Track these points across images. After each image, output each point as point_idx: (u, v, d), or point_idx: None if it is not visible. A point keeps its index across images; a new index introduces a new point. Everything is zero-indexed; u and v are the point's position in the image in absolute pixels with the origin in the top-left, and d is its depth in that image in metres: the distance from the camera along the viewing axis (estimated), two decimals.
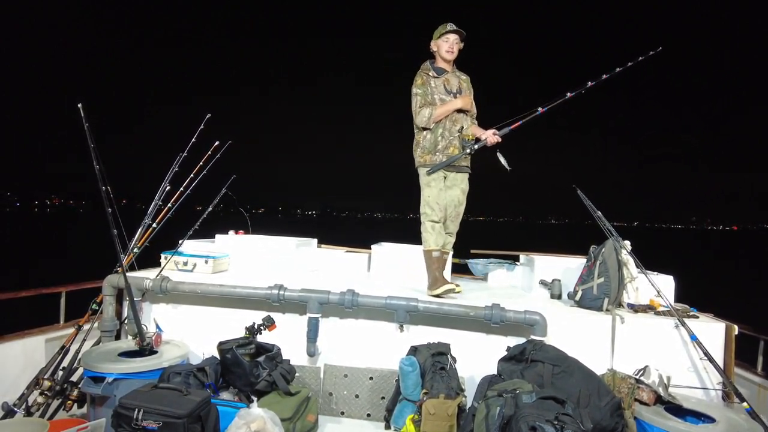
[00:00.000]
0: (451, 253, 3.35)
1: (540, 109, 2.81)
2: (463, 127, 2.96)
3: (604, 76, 2.80)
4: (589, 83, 2.81)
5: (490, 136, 2.89)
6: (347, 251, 3.76)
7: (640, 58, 2.82)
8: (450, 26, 2.98)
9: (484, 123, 3.11)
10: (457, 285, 2.80)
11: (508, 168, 2.90)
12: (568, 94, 2.80)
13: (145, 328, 2.61)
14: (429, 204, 2.95)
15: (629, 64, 2.83)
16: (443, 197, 2.95)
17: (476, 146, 2.90)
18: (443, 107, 2.94)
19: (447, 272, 3.30)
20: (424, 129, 2.97)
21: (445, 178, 2.99)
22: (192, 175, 3.20)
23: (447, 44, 3.00)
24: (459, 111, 2.99)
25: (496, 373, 2.31)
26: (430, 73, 3.04)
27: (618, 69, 2.81)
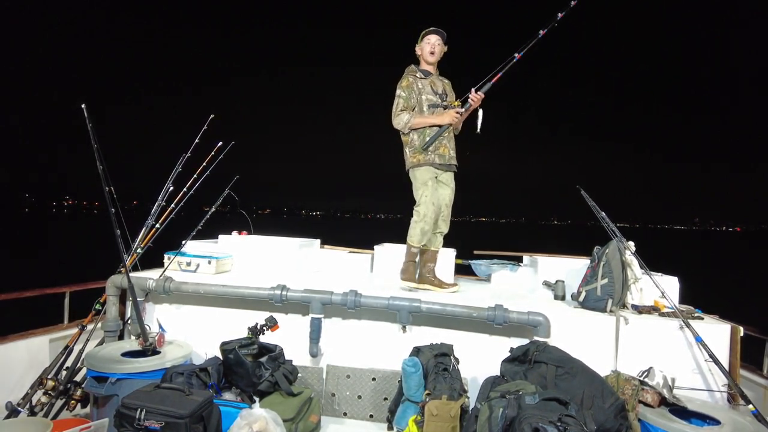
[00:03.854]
0: (455, 253, 3.34)
1: (516, 55, 2.82)
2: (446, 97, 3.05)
3: (573, 3, 2.79)
4: (559, 15, 2.79)
5: (473, 96, 2.91)
6: (350, 252, 3.76)
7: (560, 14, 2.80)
8: (431, 28, 3.04)
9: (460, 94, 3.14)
10: (416, 286, 2.94)
11: (478, 129, 2.95)
12: (542, 32, 2.79)
13: (148, 328, 2.61)
14: (426, 204, 2.97)
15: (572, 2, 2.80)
16: (437, 196, 3.01)
17: (463, 109, 2.94)
18: (423, 119, 2.98)
19: (450, 273, 3.29)
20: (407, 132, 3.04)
21: (436, 177, 3.04)
22: (195, 176, 3.21)
23: (429, 45, 3.06)
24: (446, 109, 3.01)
25: (499, 374, 2.30)
26: (417, 75, 3.07)
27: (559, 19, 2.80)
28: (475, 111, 2.95)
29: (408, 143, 3.07)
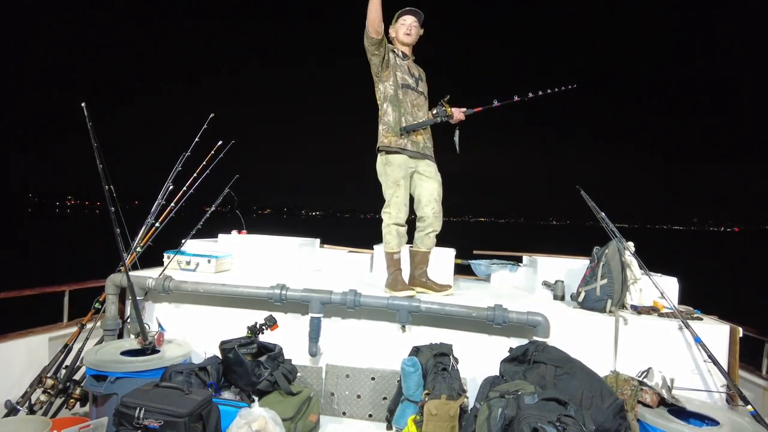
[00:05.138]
0: (454, 253, 3.34)
1: (495, 102, 2.88)
2: (444, 99, 2.95)
3: (531, 95, 2.86)
4: (516, 97, 2.85)
5: (457, 113, 2.90)
6: (350, 251, 3.76)
7: (555, 89, 2.92)
8: (407, 8, 2.92)
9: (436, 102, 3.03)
10: (414, 290, 2.80)
11: (458, 150, 2.98)
12: (516, 98, 2.86)
13: (147, 327, 2.61)
14: (397, 205, 2.83)
15: (548, 91, 2.91)
16: (408, 196, 2.89)
17: (446, 119, 2.91)
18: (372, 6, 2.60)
19: (449, 273, 3.29)
20: (380, 96, 2.89)
21: (414, 172, 2.90)
22: (195, 175, 3.21)
23: (404, 27, 2.92)
24: (420, 95, 2.96)
25: (498, 374, 2.31)
26: (397, 51, 2.93)
27: (531, 95, 2.86)
28: (453, 130, 2.94)
29: (381, 117, 2.87)
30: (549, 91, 2.91)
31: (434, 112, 2.93)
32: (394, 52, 2.92)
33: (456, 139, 2.95)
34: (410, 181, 2.92)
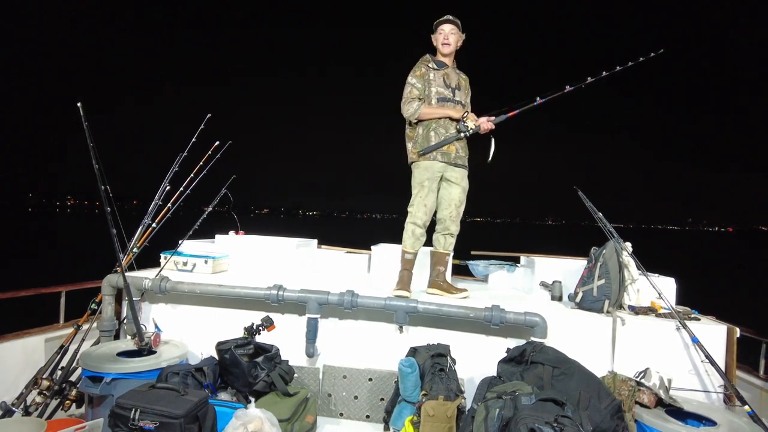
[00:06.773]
0: (452, 254, 3.34)
1: (538, 99, 2.77)
2: (464, 114, 2.87)
3: (604, 73, 2.73)
4: (589, 78, 2.73)
5: (484, 123, 2.84)
6: (347, 252, 3.75)
7: (641, 59, 2.76)
8: (444, 17, 2.92)
9: (477, 112, 2.98)
10: (409, 292, 2.76)
11: (489, 158, 2.87)
12: (567, 88, 2.75)
13: (144, 328, 2.61)
14: (418, 205, 2.87)
15: (630, 63, 2.76)
16: (432, 200, 2.89)
17: (470, 132, 2.84)
18: (433, 109, 2.84)
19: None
20: (413, 123, 2.91)
21: (442, 177, 2.91)
22: (192, 175, 3.20)
23: (442, 36, 2.92)
24: (457, 104, 2.92)
25: (495, 374, 2.30)
26: (431, 65, 2.94)
27: (618, 68, 2.74)
28: (488, 140, 2.86)
29: (413, 138, 2.93)
30: (619, 68, 2.72)
31: (457, 127, 2.87)
32: (428, 66, 2.94)
33: (491, 149, 2.85)
34: (438, 185, 2.93)
